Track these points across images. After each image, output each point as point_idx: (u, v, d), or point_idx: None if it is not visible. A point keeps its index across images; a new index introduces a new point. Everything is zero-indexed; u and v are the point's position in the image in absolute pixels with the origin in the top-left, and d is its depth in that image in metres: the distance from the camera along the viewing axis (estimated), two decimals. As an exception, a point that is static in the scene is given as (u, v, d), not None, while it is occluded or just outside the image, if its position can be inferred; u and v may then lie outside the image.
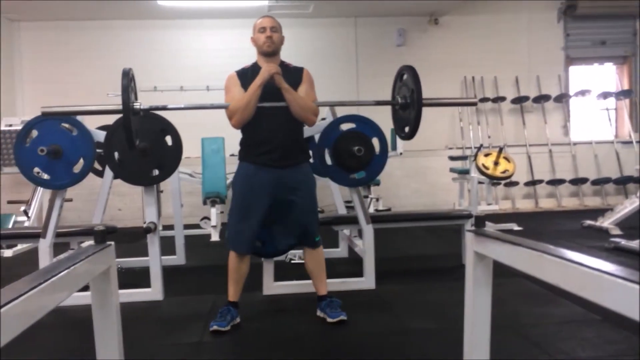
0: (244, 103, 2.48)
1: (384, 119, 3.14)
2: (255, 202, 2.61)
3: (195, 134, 4.85)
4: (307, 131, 3.64)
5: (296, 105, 2.53)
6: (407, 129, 2.50)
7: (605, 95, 7.25)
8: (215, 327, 2.52)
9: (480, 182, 5.35)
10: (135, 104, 2.28)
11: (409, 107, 2.46)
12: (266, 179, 2.60)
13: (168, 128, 3.10)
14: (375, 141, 3.18)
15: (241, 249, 2.67)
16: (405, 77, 2.49)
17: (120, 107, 2.19)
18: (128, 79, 2.21)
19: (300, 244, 2.78)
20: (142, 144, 3.00)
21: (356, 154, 3.06)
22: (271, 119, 2.56)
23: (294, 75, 2.64)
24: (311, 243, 2.75)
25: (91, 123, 3.32)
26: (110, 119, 3.10)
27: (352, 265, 3.68)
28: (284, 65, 2.65)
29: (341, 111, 3.43)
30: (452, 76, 7.25)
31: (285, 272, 3.49)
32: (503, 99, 7.21)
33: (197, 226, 5.40)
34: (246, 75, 2.60)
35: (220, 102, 2.63)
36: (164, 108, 2.66)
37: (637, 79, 7.48)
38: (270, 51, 2.60)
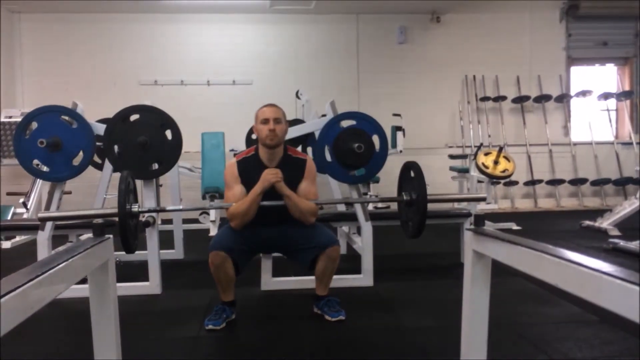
0: (244, 209, 2.46)
1: (384, 116, 3.14)
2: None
3: (196, 129, 4.85)
4: (308, 127, 3.65)
5: (296, 210, 2.51)
6: (410, 225, 2.47)
7: (606, 96, 7.25)
8: (210, 326, 2.51)
9: (479, 181, 5.35)
10: (133, 206, 2.18)
11: (413, 205, 2.43)
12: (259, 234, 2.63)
13: (168, 122, 3.09)
14: (375, 138, 3.18)
15: (215, 247, 2.56)
16: (410, 174, 2.43)
17: (116, 210, 2.07)
18: (126, 182, 2.11)
19: (324, 249, 2.62)
20: (142, 138, 3.00)
21: (356, 151, 3.05)
22: (270, 212, 2.54)
23: (295, 168, 2.59)
24: (333, 244, 2.62)
25: (91, 116, 3.31)
26: (109, 114, 3.11)
27: (350, 262, 3.68)
28: (286, 155, 2.60)
29: (341, 108, 3.42)
30: (453, 74, 7.25)
31: (283, 268, 3.49)
32: (504, 98, 7.21)
33: (196, 220, 5.39)
34: (247, 169, 2.56)
35: (219, 203, 2.59)
36: (163, 210, 2.62)
37: (638, 80, 7.48)
38: (273, 144, 2.53)
